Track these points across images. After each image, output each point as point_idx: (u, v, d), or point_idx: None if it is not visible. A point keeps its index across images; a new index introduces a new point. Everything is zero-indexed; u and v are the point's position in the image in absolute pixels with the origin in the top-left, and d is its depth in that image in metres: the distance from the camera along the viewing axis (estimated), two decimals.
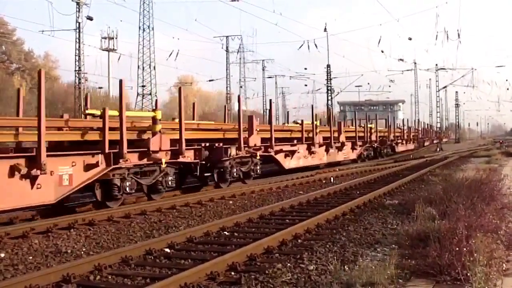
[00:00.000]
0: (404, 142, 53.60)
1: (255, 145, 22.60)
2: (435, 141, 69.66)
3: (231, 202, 16.79)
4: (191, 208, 15.39)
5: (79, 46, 49.85)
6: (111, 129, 14.99)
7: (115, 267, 8.71)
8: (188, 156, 18.26)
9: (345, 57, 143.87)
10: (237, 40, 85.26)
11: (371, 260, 8.59)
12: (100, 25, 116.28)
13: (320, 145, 30.51)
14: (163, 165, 16.73)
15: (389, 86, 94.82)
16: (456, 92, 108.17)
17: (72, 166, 13.69)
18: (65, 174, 13.49)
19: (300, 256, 9.17)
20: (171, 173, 17.37)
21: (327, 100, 69.55)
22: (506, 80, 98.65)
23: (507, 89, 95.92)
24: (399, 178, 22.54)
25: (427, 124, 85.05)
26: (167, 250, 9.91)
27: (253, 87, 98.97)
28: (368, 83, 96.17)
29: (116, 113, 15.48)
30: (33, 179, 12.54)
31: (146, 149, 16.28)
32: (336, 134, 33.32)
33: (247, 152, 21.78)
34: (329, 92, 70.53)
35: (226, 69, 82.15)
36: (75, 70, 50.50)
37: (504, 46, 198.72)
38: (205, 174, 19.87)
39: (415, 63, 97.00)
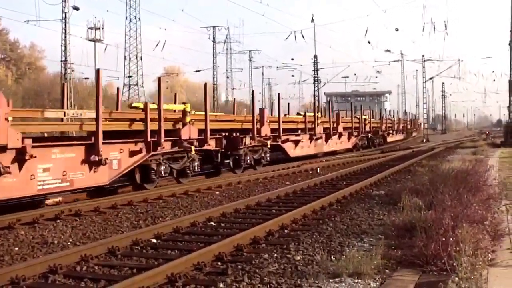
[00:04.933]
0: (394, 132, 54.72)
1: (266, 135, 24.46)
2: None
3: (217, 192, 16.78)
4: (178, 199, 15.37)
5: (65, 37, 49.50)
6: None
7: (101, 258, 8.69)
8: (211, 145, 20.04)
9: (332, 48, 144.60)
10: (224, 31, 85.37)
11: (358, 250, 8.58)
12: (86, 15, 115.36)
13: (321, 136, 31.87)
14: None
15: (376, 77, 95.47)
16: (443, 83, 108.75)
17: None
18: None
19: (286, 246, 9.19)
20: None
21: (314, 90, 69.61)
22: (493, 72, 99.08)
23: (494, 80, 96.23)
24: (385, 169, 22.62)
25: (414, 115, 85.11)
26: (154, 240, 9.89)
27: (240, 78, 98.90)
28: (355, 74, 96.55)
29: None
30: None
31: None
32: (335, 125, 34.82)
33: (258, 141, 23.51)
34: (316, 83, 70.62)
35: (213, 60, 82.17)
36: (61, 61, 50.17)
37: (490, 38, 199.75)
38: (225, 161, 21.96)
39: (402, 54, 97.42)
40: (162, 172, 17.08)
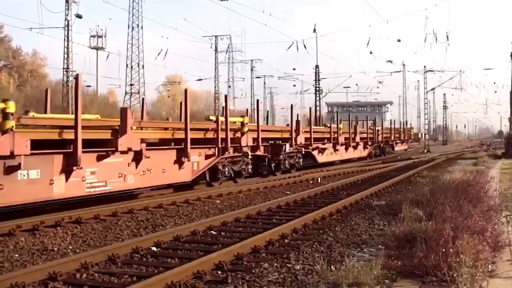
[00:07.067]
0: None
1: (300, 143, 28.74)
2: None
3: (218, 201, 16.78)
4: (178, 207, 15.37)
5: (67, 44, 49.73)
6: None
7: (101, 265, 8.69)
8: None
9: (334, 58, 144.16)
10: (226, 40, 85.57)
11: (358, 260, 8.61)
12: (89, 23, 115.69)
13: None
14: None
15: (377, 88, 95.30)
16: (444, 94, 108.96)
17: None
18: None
19: (287, 256, 9.19)
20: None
21: (315, 100, 69.67)
22: (494, 83, 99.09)
23: (495, 91, 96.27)
24: (386, 179, 22.60)
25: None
26: (154, 248, 9.89)
27: (241, 87, 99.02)
28: (357, 84, 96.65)
29: None
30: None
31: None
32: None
33: (295, 148, 27.90)
34: (318, 93, 70.64)
35: (215, 69, 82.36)
36: (64, 68, 50.33)
37: (492, 49, 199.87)
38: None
39: (403, 64, 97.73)
40: None
